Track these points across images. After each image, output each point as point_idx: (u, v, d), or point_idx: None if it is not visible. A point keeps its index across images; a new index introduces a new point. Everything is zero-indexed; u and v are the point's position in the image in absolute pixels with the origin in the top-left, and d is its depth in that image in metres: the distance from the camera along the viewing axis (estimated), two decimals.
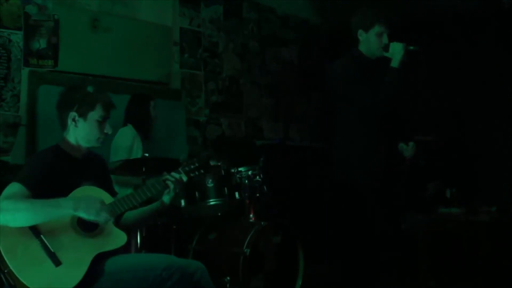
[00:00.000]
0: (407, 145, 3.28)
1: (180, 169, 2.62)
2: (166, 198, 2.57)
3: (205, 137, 5.05)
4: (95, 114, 2.42)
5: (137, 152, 3.81)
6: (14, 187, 2.21)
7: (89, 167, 2.47)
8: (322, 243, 4.34)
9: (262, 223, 3.42)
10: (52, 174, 2.30)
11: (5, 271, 2.07)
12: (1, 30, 3.72)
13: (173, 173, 2.55)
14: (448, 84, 5.98)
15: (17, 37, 3.80)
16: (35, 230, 2.15)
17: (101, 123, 2.44)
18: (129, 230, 2.68)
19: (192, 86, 5.00)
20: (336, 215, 3.47)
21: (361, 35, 3.18)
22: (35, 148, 3.81)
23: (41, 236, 2.14)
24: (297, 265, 3.50)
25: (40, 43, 3.92)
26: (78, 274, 2.14)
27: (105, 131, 2.46)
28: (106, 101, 2.47)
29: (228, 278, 3.21)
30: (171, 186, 2.52)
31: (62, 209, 2.17)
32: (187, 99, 4.93)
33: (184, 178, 2.56)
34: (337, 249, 3.58)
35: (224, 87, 5.28)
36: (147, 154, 3.51)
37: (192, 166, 2.64)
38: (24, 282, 2.04)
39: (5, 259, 2.06)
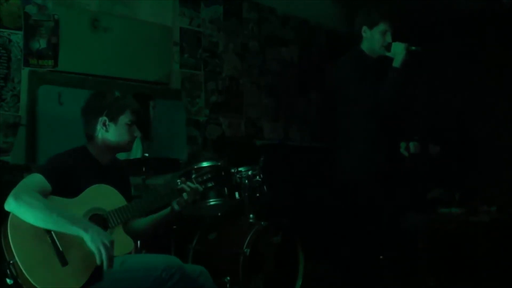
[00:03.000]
0: (407, 147, 3.29)
1: (193, 178, 2.61)
2: (176, 205, 2.54)
3: (205, 137, 5.04)
4: (125, 118, 2.45)
5: (136, 152, 3.81)
6: (37, 178, 2.21)
7: (111, 174, 2.46)
8: (322, 243, 4.34)
9: (262, 223, 3.42)
10: (74, 175, 2.30)
11: (11, 262, 2.05)
12: (1, 30, 3.72)
13: (189, 183, 2.53)
14: (448, 84, 5.98)
15: (17, 37, 3.80)
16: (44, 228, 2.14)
17: (130, 126, 2.46)
18: (139, 236, 2.67)
19: (192, 86, 5.00)
20: (336, 214, 3.48)
21: (365, 32, 3.20)
22: (35, 148, 3.81)
23: (52, 233, 2.13)
24: (297, 265, 3.50)
25: (40, 43, 3.92)
26: (83, 277, 2.14)
27: (135, 134, 2.48)
28: (134, 106, 2.49)
29: (228, 278, 3.21)
30: (186, 197, 2.50)
31: (73, 227, 2.13)
32: (187, 99, 4.93)
33: (200, 189, 2.55)
34: (337, 249, 3.58)
35: (224, 87, 5.28)
36: (147, 154, 3.51)
37: (204, 177, 2.64)
38: (28, 278, 2.03)
39: (13, 250, 2.05)
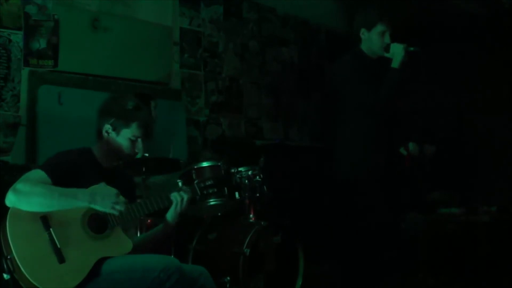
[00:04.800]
0: (406, 147, 3.30)
1: (195, 184, 2.60)
2: (169, 216, 2.51)
3: (205, 137, 5.04)
4: (129, 132, 2.41)
5: None
6: (37, 173, 2.22)
7: (113, 178, 2.44)
8: (322, 243, 4.34)
9: (262, 223, 3.42)
10: (75, 173, 2.30)
11: (8, 257, 2.06)
12: (1, 30, 3.72)
13: (182, 193, 2.49)
14: (448, 84, 5.98)
15: (17, 37, 3.81)
16: (45, 222, 2.14)
17: (133, 142, 2.42)
18: (137, 252, 2.67)
19: (192, 86, 5.00)
20: (336, 214, 3.48)
21: (364, 33, 3.21)
22: (35, 148, 3.81)
23: (51, 229, 2.13)
24: (297, 265, 3.50)
25: (40, 43, 3.92)
26: (80, 275, 2.14)
27: (136, 150, 2.44)
28: (144, 121, 2.43)
29: (228, 278, 3.21)
30: (175, 202, 2.47)
31: (78, 201, 2.17)
32: (187, 99, 4.93)
33: (185, 198, 2.49)
34: (337, 249, 3.58)
35: (224, 87, 5.28)
36: (147, 154, 3.51)
37: (207, 183, 2.63)
38: (25, 273, 2.03)
39: (11, 245, 2.05)
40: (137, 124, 2.41)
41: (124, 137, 2.41)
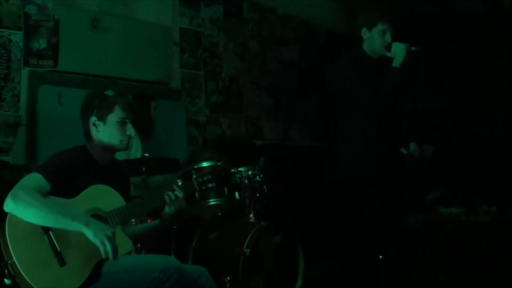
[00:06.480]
0: (407, 148, 3.30)
1: (193, 179, 2.61)
2: (163, 214, 2.52)
3: (205, 137, 5.05)
4: (114, 116, 2.41)
5: (137, 152, 3.81)
6: (35, 178, 2.20)
7: (110, 174, 2.45)
8: (322, 243, 4.34)
9: (262, 223, 3.42)
10: (73, 174, 2.29)
11: (9, 262, 2.04)
12: (1, 30, 3.72)
13: (177, 192, 2.50)
14: (448, 84, 5.98)
15: (17, 37, 3.80)
16: (44, 226, 2.13)
17: (121, 124, 2.42)
18: (134, 242, 2.66)
19: (192, 86, 5.00)
20: (336, 214, 3.48)
21: (365, 33, 3.22)
22: (35, 148, 3.82)
23: (50, 232, 2.12)
24: (297, 265, 3.50)
25: (40, 43, 3.92)
26: (81, 277, 2.13)
27: (127, 132, 2.44)
28: (125, 103, 2.45)
29: (228, 278, 3.21)
30: (167, 210, 2.49)
31: (73, 222, 2.13)
32: (187, 99, 4.93)
33: (179, 195, 2.51)
34: (337, 248, 3.58)
35: (224, 87, 5.28)
36: (147, 154, 3.51)
37: (205, 178, 2.64)
38: (26, 278, 2.02)
39: (11, 250, 2.04)
40: (120, 106, 2.43)
41: (111, 122, 2.41)
